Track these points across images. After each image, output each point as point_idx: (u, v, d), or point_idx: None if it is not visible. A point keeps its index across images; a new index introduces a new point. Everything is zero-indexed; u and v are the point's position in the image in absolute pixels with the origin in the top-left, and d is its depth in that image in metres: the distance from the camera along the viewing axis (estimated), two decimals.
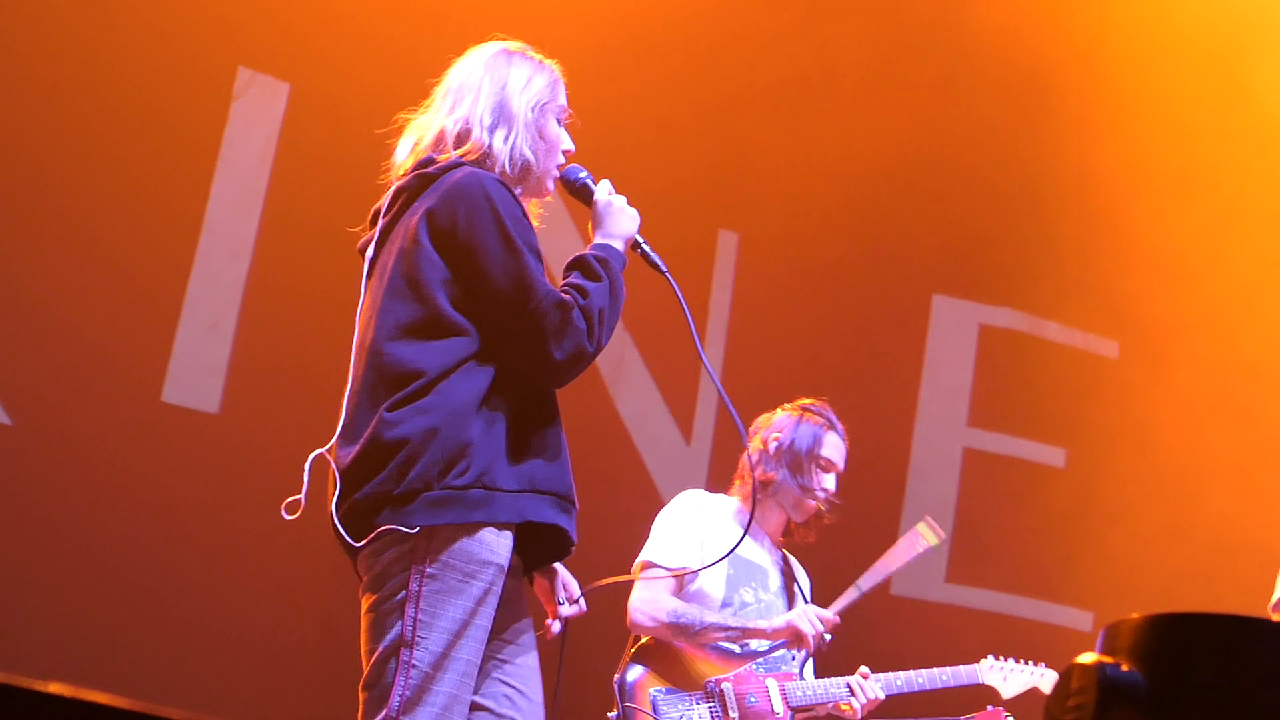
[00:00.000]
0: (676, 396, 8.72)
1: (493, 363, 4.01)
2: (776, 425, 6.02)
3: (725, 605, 5.79)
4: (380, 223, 4.23)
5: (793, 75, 8.85)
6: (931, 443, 9.17)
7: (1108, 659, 2.39)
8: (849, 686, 5.75)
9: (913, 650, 6.66)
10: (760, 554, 5.97)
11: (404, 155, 4.31)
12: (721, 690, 5.68)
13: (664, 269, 4.36)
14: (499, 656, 4.11)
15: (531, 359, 4.01)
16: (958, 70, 9.09)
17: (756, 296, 8.96)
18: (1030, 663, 6.14)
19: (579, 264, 4.15)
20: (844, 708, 5.78)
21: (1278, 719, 2.33)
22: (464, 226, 4.01)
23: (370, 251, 4.24)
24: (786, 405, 6.09)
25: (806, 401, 6.06)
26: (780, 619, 5.74)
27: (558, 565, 4.40)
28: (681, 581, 5.83)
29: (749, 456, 5.96)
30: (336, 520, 3.98)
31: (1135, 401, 9.11)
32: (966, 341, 9.33)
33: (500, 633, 4.11)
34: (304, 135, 8.08)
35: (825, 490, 5.93)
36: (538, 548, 4.19)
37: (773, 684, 5.73)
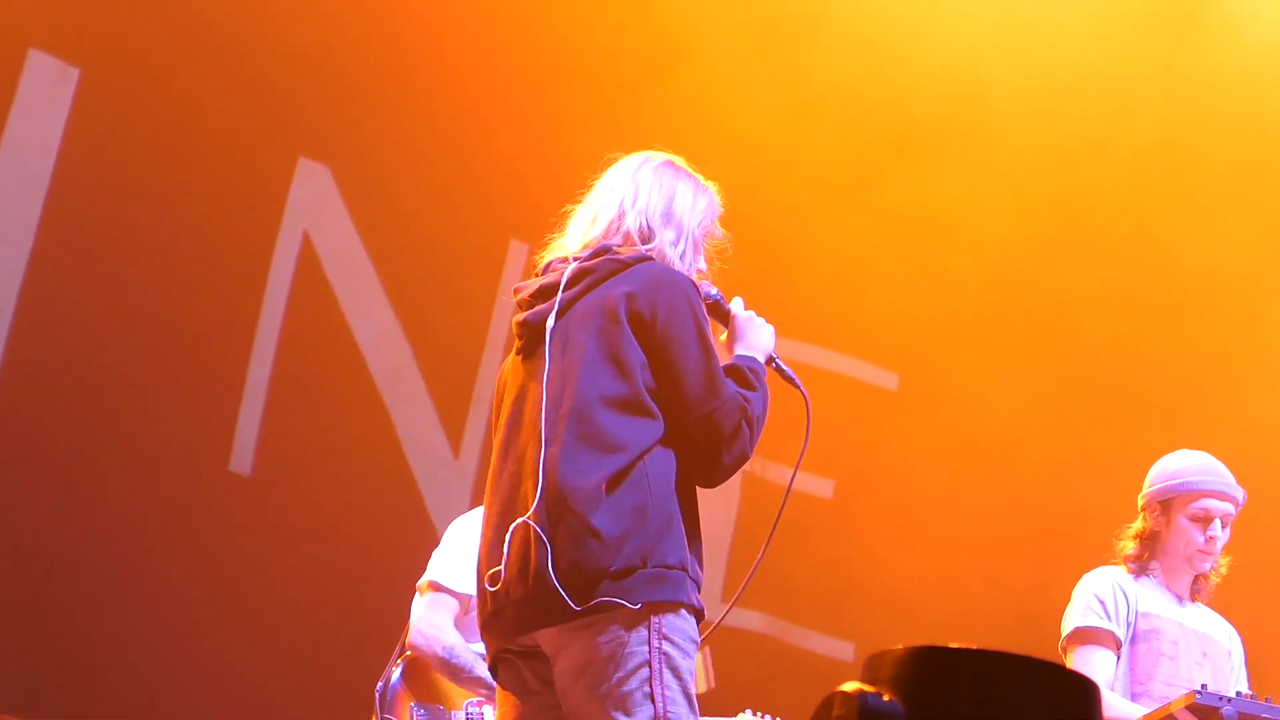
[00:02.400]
0: (449, 409, 8.69)
1: (673, 450, 4.25)
2: None
3: None
4: (560, 296, 4.35)
5: (587, 75, 8.82)
6: None
7: (869, 688, 2.42)
8: None
9: None
10: None
11: (574, 240, 4.50)
12: (482, 713, 5.65)
13: (799, 384, 4.63)
14: None
15: (701, 456, 4.29)
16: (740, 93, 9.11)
17: None
18: None
19: (733, 373, 4.40)
20: None
21: None
22: (664, 318, 4.26)
23: (552, 323, 4.34)
24: None
25: None
26: None
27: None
28: (468, 607, 5.78)
29: None
30: (557, 583, 4.07)
31: (910, 435, 9.22)
32: None
33: None
34: (93, 122, 7.95)
35: None
36: None
37: None
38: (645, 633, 4.10)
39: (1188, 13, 9.24)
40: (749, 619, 9.17)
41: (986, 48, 9.15)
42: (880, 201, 9.23)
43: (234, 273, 8.25)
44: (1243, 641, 6.09)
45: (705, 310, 4.37)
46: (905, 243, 9.28)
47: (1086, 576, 6.01)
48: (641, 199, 4.46)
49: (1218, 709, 5.41)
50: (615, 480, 4.12)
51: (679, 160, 4.59)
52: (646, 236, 4.42)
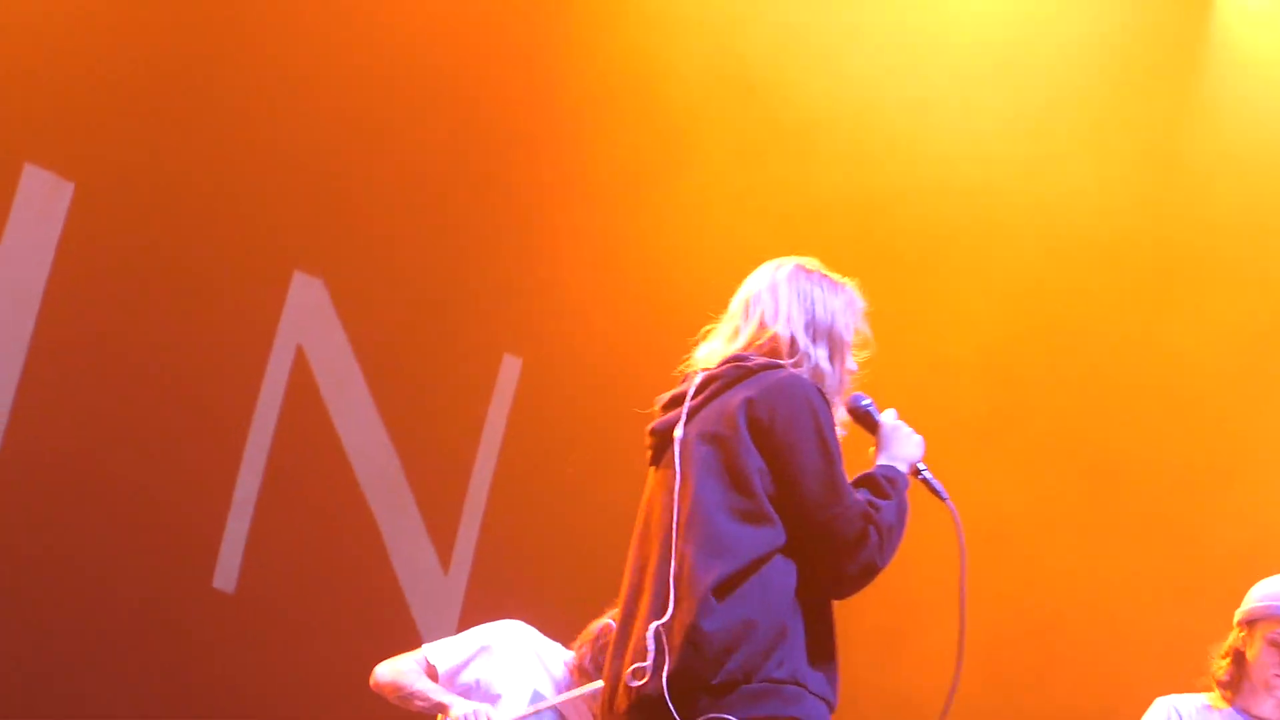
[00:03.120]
0: (439, 523, 8.66)
1: (795, 559, 4.19)
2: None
3: None
4: (688, 404, 4.38)
5: (583, 186, 8.84)
6: None
7: None
8: None
9: None
10: (575, 712, 6.01)
11: (714, 355, 4.47)
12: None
13: (945, 496, 4.57)
14: None
15: (826, 564, 4.21)
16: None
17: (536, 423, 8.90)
18: None
19: (867, 482, 4.35)
20: None
21: None
22: (783, 424, 4.21)
23: (679, 432, 4.34)
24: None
25: None
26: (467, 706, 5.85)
27: None
28: (436, 675, 5.98)
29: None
30: (666, 694, 4.05)
31: (906, 537, 9.16)
32: None
33: None
34: (88, 236, 7.96)
35: None
36: None
37: None
38: None
39: (1184, 110, 9.32)
40: None
41: (984, 152, 9.21)
42: (876, 306, 9.24)
43: (226, 385, 8.26)
44: None
45: (830, 416, 4.29)
46: (900, 345, 9.29)
47: (1154, 702, 5.98)
48: (783, 311, 4.43)
49: None
50: (725, 588, 4.07)
51: (809, 262, 4.58)
52: (792, 350, 4.38)
